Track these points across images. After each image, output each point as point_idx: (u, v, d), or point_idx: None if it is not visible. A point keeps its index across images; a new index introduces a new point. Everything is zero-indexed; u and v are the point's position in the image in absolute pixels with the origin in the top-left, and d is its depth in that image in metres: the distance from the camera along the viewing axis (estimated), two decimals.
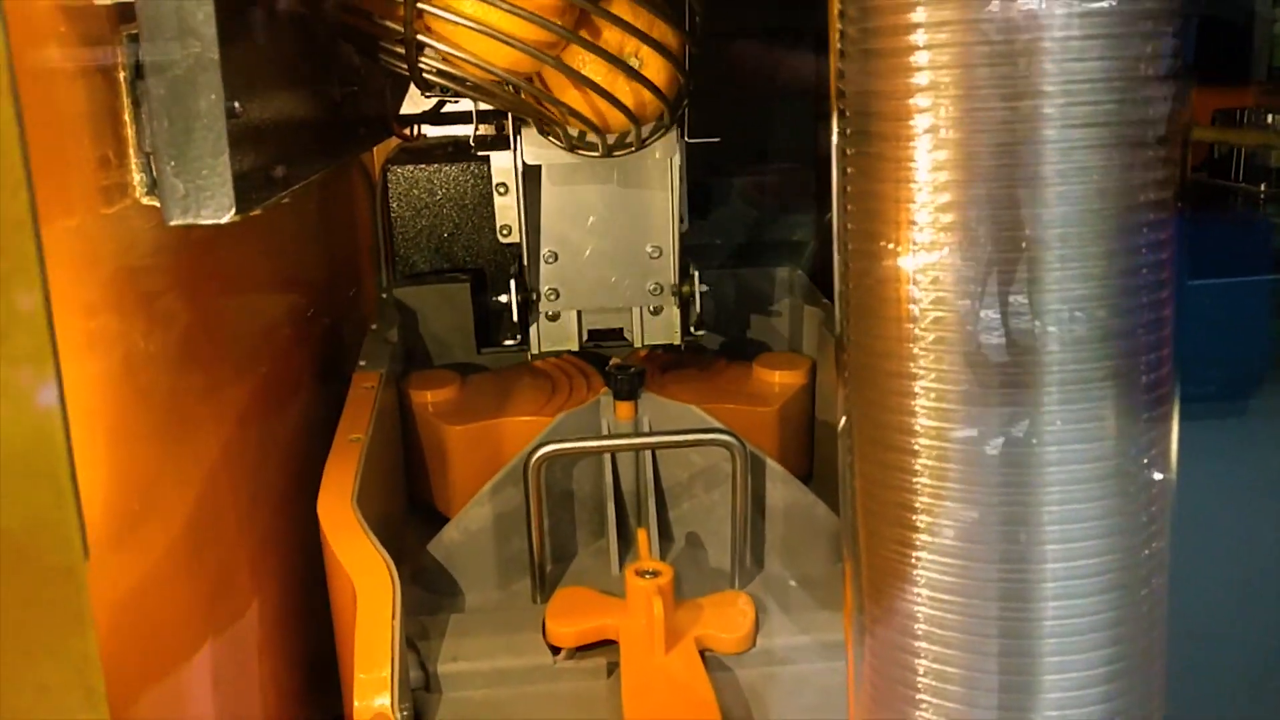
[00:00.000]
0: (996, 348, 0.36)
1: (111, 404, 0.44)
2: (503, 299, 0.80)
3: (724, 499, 0.72)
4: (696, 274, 0.80)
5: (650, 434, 0.72)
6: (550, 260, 0.81)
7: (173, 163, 0.43)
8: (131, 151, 0.46)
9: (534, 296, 0.81)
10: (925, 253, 0.37)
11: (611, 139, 0.71)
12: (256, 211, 0.48)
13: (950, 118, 0.35)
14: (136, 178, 0.46)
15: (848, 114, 0.39)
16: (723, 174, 1.05)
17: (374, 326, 0.89)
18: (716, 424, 0.71)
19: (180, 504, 0.52)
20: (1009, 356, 0.36)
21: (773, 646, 0.64)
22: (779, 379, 0.86)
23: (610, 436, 0.72)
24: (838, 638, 0.63)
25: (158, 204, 0.45)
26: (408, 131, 0.97)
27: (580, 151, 0.72)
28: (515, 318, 0.80)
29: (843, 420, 0.43)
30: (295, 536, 0.69)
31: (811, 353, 0.90)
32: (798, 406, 0.86)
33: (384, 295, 0.97)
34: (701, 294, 0.81)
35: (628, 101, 0.66)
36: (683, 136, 0.77)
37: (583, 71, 0.63)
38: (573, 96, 0.66)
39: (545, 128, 0.72)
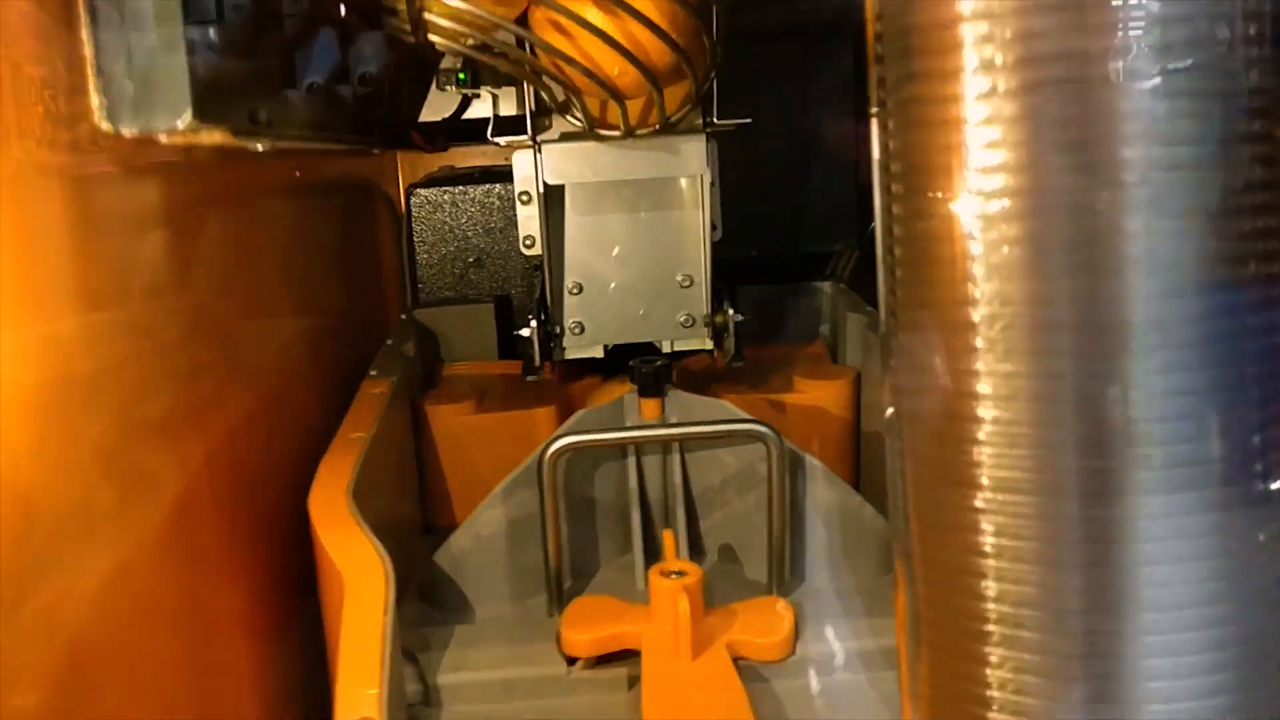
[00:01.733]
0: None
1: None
2: (524, 332, 0.75)
3: (760, 505, 0.65)
4: (730, 308, 0.76)
5: (675, 424, 0.65)
6: (575, 292, 0.76)
7: (123, 60, 0.38)
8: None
9: (557, 330, 0.77)
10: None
11: (635, 118, 0.66)
12: (226, 139, 0.43)
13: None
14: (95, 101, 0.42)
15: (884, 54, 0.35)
16: (758, 182, 1.01)
17: (389, 342, 0.84)
18: (748, 416, 0.65)
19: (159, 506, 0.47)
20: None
21: (814, 654, 0.57)
22: (821, 390, 0.80)
23: (632, 428, 0.65)
24: (886, 644, 0.56)
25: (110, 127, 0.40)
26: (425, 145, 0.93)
27: (601, 130, 0.68)
28: (537, 353, 0.75)
29: (889, 410, 0.38)
30: (302, 563, 0.63)
31: (856, 363, 0.84)
32: (840, 417, 0.79)
33: (403, 316, 0.92)
34: (736, 323, 0.76)
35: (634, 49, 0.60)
36: (709, 130, 0.72)
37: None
38: (577, 48, 0.60)
39: (563, 101, 0.67)
